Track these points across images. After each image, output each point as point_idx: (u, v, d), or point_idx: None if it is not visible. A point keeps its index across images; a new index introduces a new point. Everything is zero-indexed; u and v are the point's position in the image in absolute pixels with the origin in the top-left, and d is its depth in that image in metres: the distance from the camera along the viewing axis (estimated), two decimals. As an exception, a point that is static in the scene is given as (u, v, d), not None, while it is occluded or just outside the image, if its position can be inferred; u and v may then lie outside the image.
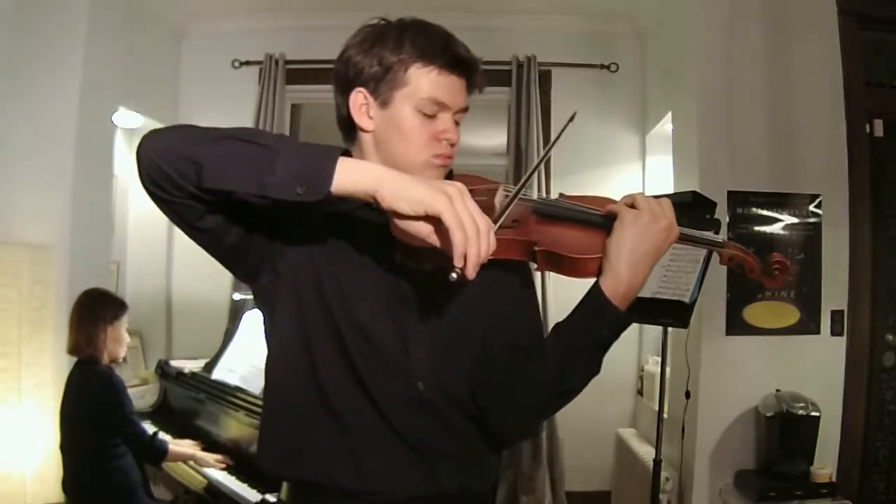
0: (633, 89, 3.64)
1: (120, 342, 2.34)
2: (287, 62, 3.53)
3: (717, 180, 2.65)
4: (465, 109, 1.03)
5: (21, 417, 2.43)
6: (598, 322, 0.95)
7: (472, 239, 0.76)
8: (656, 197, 0.99)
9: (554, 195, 1.09)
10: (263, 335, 1.07)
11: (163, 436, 2.49)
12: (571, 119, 1.05)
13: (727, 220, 2.63)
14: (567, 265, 0.96)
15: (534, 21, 3.60)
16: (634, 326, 3.43)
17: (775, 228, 2.68)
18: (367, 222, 1.00)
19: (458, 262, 0.77)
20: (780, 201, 2.68)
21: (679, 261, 2.15)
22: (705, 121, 2.75)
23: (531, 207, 1.03)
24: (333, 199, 0.80)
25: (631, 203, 0.96)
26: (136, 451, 2.30)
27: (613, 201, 1.03)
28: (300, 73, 3.56)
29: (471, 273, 0.77)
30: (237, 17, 3.61)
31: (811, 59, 2.73)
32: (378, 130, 1.02)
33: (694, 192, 2.32)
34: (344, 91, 1.03)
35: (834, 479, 2.46)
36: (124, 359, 2.57)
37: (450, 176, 1.07)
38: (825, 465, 2.45)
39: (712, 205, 2.22)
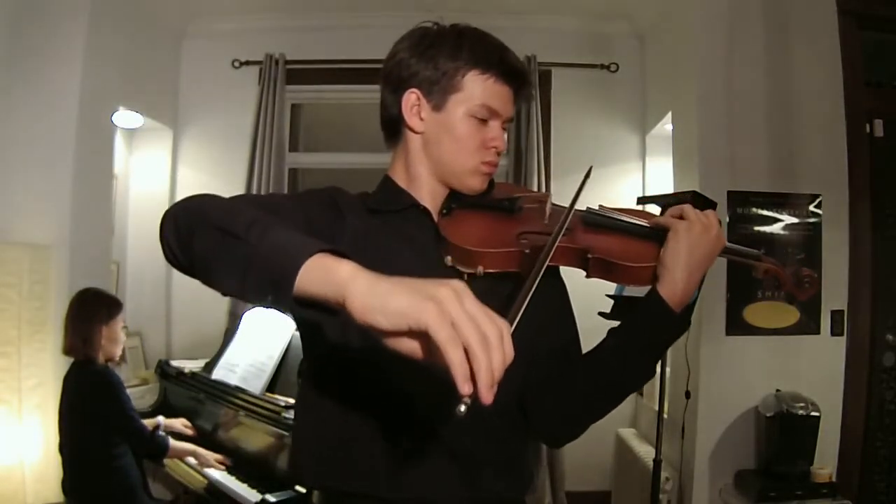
0: (633, 89, 3.64)
1: (116, 341, 2.34)
2: (287, 62, 3.53)
3: (717, 180, 2.65)
4: (512, 119, 1.06)
5: (21, 417, 2.43)
6: (660, 327, 0.98)
7: (479, 354, 0.59)
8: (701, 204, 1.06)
9: (590, 206, 1.12)
10: (304, 346, 1.06)
11: (163, 430, 2.50)
12: (588, 175, 1.09)
13: (727, 220, 2.63)
14: (620, 272, 0.98)
15: (534, 21, 3.60)
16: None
17: (775, 228, 2.68)
18: (417, 222, 1.02)
19: (462, 389, 0.59)
20: (780, 201, 2.68)
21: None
22: (705, 121, 2.75)
23: (580, 217, 1.06)
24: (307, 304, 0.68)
25: (679, 214, 0.99)
26: (137, 448, 2.31)
27: (652, 215, 1.07)
28: (300, 73, 3.56)
29: (486, 397, 0.60)
30: (237, 17, 3.61)
31: (811, 59, 2.73)
32: (428, 132, 1.03)
33: (694, 192, 2.31)
34: (396, 90, 1.04)
35: (834, 479, 2.46)
36: (123, 358, 2.57)
37: (491, 185, 1.08)
38: (825, 465, 2.45)
39: (712, 205, 2.21)
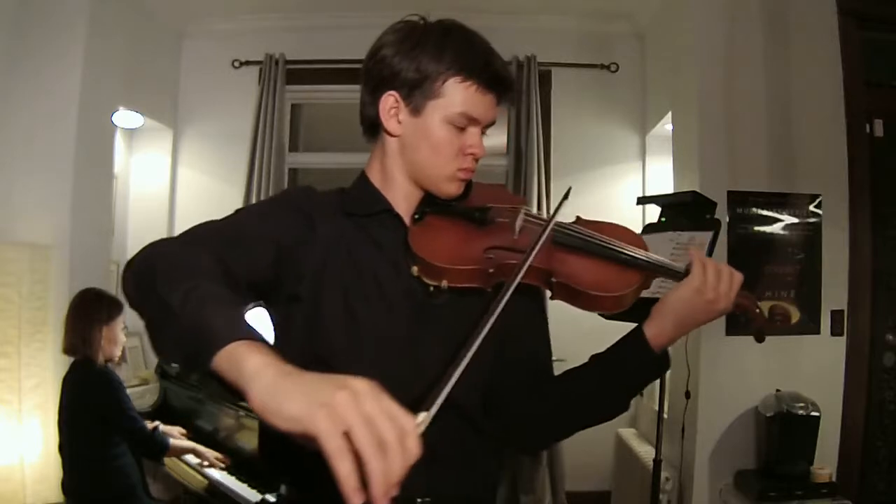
0: (633, 89, 3.64)
1: (116, 342, 2.34)
2: (287, 62, 3.53)
3: (717, 180, 2.65)
4: (492, 123, 1.04)
5: (21, 417, 2.43)
6: (637, 365, 0.98)
7: (372, 462, 0.56)
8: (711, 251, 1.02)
9: (570, 218, 1.08)
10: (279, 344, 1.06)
11: (163, 429, 2.50)
12: (566, 196, 1.06)
13: (727, 220, 2.63)
14: (585, 300, 0.96)
15: (534, 21, 3.60)
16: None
17: (775, 228, 2.68)
18: (389, 227, 1.01)
19: (353, 500, 0.56)
20: (780, 201, 2.68)
21: (679, 261, 2.15)
22: (705, 121, 2.75)
23: (552, 234, 0.99)
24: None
25: (703, 269, 0.96)
26: (138, 448, 2.31)
27: (628, 230, 1.05)
28: (300, 73, 3.56)
29: (379, 501, 0.57)
30: (237, 17, 3.61)
31: (811, 59, 2.73)
32: (405, 136, 1.01)
33: (694, 192, 2.32)
34: (374, 91, 1.02)
35: (834, 479, 2.46)
36: (123, 358, 2.57)
37: (469, 186, 1.07)
38: (825, 465, 2.45)
39: (712, 205, 2.21)
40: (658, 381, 2.41)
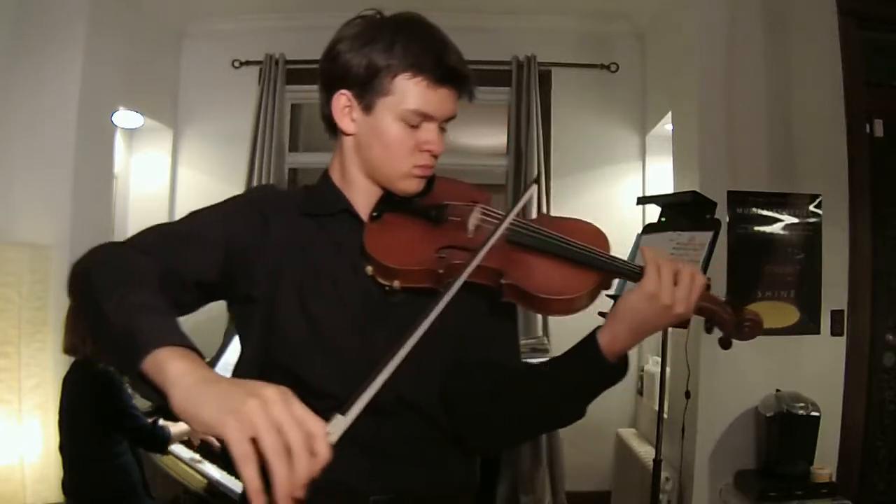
0: (633, 89, 3.64)
1: None
2: (287, 62, 3.53)
3: (717, 180, 2.65)
4: (452, 118, 1.01)
5: (21, 417, 2.43)
6: (590, 373, 0.93)
7: (276, 467, 0.60)
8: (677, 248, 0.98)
9: (533, 214, 1.06)
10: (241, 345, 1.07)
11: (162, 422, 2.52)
12: (528, 188, 1.05)
13: (727, 220, 2.63)
14: (534, 302, 0.91)
15: (534, 21, 3.60)
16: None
17: (775, 228, 2.68)
18: (347, 227, 1.00)
19: (255, 501, 0.60)
20: (780, 201, 2.68)
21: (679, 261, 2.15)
22: (705, 121, 2.75)
23: (506, 232, 0.95)
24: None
25: (657, 271, 0.88)
26: (141, 444, 2.32)
27: (593, 227, 1.01)
28: (300, 73, 3.56)
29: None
30: (237, 17, 3.61)
31: (811, 59, 2.73)
32: (360, 135, 1.00)
33: (694, 192, 2.32)
34: (327, 90, 1.01)
35: (834, 479, 2.46)
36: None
37: (432, 180, 1.05)
38: (825, 465, 2.45)
39: (712, 205, 2.22)
40: (658, 381, 2.41)
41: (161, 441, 2.37)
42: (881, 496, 2.73)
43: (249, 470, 0.60)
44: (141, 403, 2.93)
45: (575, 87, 3.64)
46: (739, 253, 2.63)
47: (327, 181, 1.07)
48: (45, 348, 2.52)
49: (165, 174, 3.62)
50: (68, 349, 2.28)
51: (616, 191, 3.60)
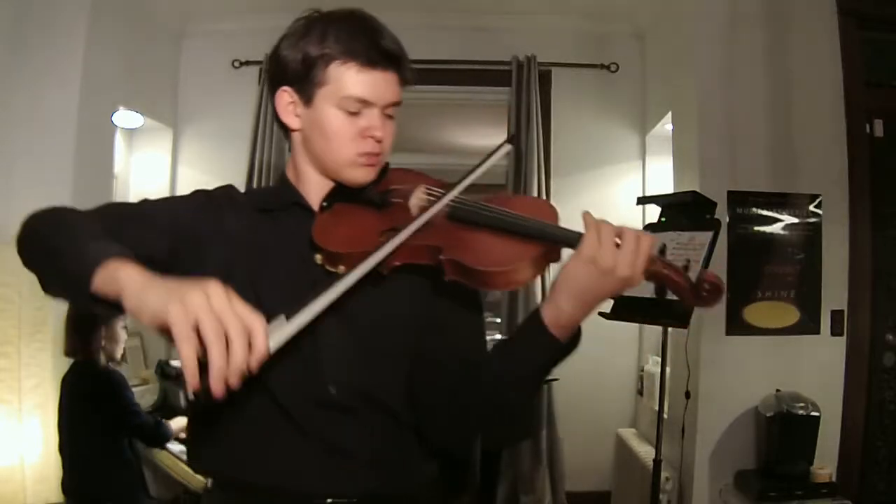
0: (633, 89, 3.64)
1: (116, 341, 2.36)
2: (287, 62, 3.53)
3: (717, 180, 2.65)
4: (396, 103, 1.00)
5: (21, 417, 2.43)
6: (535, 350, 0.89)
7: (213, 350, 0.66)
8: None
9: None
10: None
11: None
12: (508, 141, 1.04)
13: (727, 220, 2.63)
14: (473, 277, 0.88)
15: (534, 21, 3.60)
16: (634, 326, 3.45)
17: (775, 228, 2.68)
18: (298, 219, 1.01)
19: (190, 380, 0.66)
20: (780, 201, 2.68)
21: (679, 261, 2.15)
22: (705, 121, 2.75)
23: (447, 210, 0.95)
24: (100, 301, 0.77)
25: (597, 234, 0.83)
26: (146, 441, 2.37)
27: (544, 203, 1.00)
28: (300, 73, 3.56)
29: (216, 389, 0.67)
30: (237, 17, 3.61)
31: (811, 59, 2.73)
32: (305, 129, 1.01)
33: (694, 192, 2.32)
34: (271, 89, 1.03)
35: (834, 479, 2.46)
36: (124, 358, 2.57)
37: (384, 172, 1.05)
38: (825, 465, 2.45)
39: (712, 205, 2.22)
40: (658, 381, 2.41)
41: (164, 437, 2.42)
42: (881, 496, 2.73)
43: (187, 349, 0.66)
44: (141, 404, 2.93)
45: (575, 87, 3.64)
46: (739, 253, 2.63)
47: (283, 179, 1.09)
48: (45, 348, 2.52)
49: (165, 174, 3.62)
50: (69, 352, 2.29)
51: (616, 191, 3.60)
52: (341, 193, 1.02)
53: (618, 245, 0.83)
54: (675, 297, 0.90)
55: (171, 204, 1.04)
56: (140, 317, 0.71)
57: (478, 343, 1.07)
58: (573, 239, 0.86)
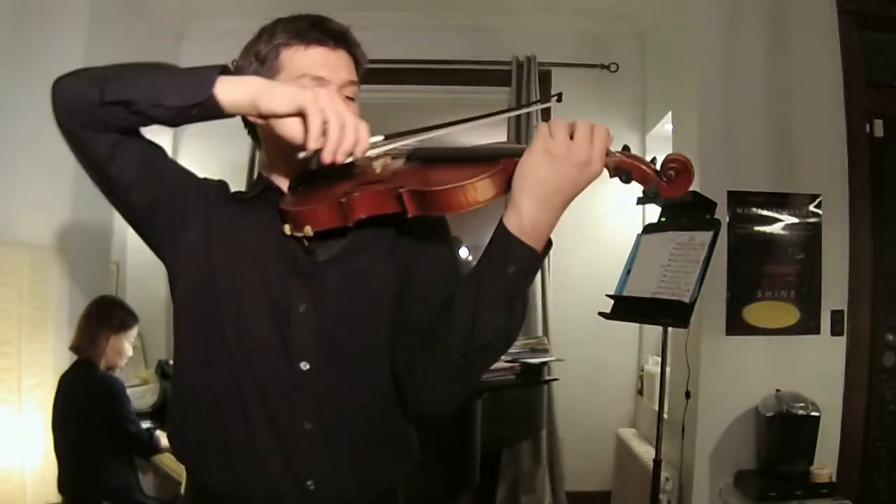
0: (633, 89, 3.64)
1: (120, 354, 2.37)
2: (287, 62, 3.53)
3: (717, 180, 2.65)
4: (352, 83, 1.03)
5: (21, 417, 2.43)
6: (503, 261, 0.84)
7: (333, 124, 0.81)
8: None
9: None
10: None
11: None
12: (558, 98, 1.06)
13: (727, 220, 2.63)
14: (430, 201, 0.86)
15: (534, 21, 3.59)
16: (634, 326, 3.44)
17: (775, 228, 2.68)
18: (267, 206, 1.02)
19: (311, 144, 0.82)
20: (779, 201, 2.68)
21: (679, 261, 2.16)
22: (705, 121, 2.75)
23: (404, 155, 0.99)
24: (222, 112, 0.87)
25: (547, 127, 0.83)
26: (137, 452, 2.33)
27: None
28: (300, 73, 3.56)
29: (326, 156, 0.82)
30: (237, 17, 3.61)
31: (811, 59, 2.73)
32: (270, 121, 1.02)
33: (694, 192, 2.32)
34: None
35: (834, 479, 2.46)
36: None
37: None
38: (825, 465, 2.45)
39: (712, 205, 2.22)
40: (658, 381, 2.41)
41: (154, 450, 2.40)
42: (881, 496, 2.73)
43: (317, 120, 0.82)
44: (141, 404, 2.93)
45: (575, 87, 3.63)
46: (739, 253, 2.63)
47: (259, 175, 1.13)
48: (45, 348, 2.52)
49: (165, 174, 3.62)
50: (74, 347, 2.30)
51: (616, 191, 3.59)
52: (309, 174, 1.02)
53: (571, 137, 0.82)
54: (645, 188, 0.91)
55: (178, 165, 1.06)
56: (275, 103, 0.84)
57: (450, 273, 1.03)
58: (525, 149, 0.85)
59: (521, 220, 0.83)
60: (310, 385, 0.97)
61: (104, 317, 2.33)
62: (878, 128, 2.79)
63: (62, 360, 2.36)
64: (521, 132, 3.49)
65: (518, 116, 3.51)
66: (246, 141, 3.91)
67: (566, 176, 0.81)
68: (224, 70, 0.91)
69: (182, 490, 2.68)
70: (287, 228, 0.95)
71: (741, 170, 2.70)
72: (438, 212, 0.88)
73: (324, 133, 0.82)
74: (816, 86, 2.72)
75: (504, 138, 3.67)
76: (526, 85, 3.49)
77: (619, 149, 0.92)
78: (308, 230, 0.93)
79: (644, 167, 0.88)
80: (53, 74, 0.96)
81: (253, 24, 1.11)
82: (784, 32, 2.75)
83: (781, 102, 2.72)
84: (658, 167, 0.88)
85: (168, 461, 2.56)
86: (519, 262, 0.84)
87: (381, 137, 0.92)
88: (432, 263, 1.03)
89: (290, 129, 0.85)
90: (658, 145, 3.48)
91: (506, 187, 0.87)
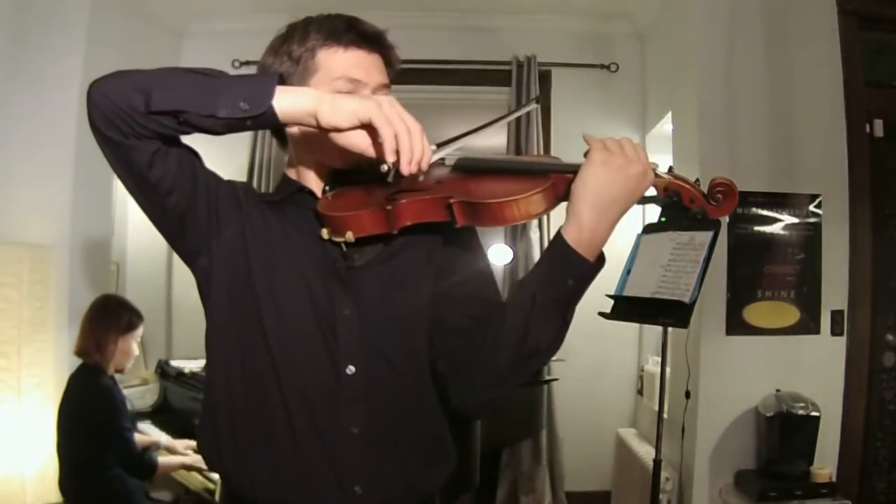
0: (633, 89, 3.64)
1: (128, 355, 2.34)
2: (287, 62, 3.52)
3: (717, 180, 2.64)
4: (386, 86, 1.02)
5: (21, 417, 2.43)
6: (562, 272, 0.88)
7: (403, 134, 0.81)
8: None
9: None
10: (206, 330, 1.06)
11: (164, 446, 2.49)
12: (535, 100, 1.07)
13: (727, 220, 2.63)
14: (483, 213, 0.89)
15: (534, 21, 3.60)
16: (634, 326, 3.45)
17: (775, 228, 2.68)
18: (299, 209, 1.01)
19: (389, 157, 0.82)
20: (780, 201, 2.68)
21: (679, 261, 2.15)
22: (705, 121, 2.75)
23: (451, 165, 1.00)
24: (277, 123, 0.85)
25: (601, 142, 0.90)
26: (125, 468, 2.26)
27: (553, 157, 1.03)
28: (300, 73, 3.55)
29: (405, 167, 0.81)
30: (237, 17, 3.61)
31: (811, 59, 2.73)
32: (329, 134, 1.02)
33: (694, 193, 2.32)
34: None
35: (834, 479, 2.46)
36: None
37: None
38: (825, 465, 2.45)
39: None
40: (658, 381, 2.41)
41: (146, 470, 2.32)
42: (881, 496, 2.73)
43: (390, 131, 0.81)
44: (141, 404, 2.93)
45: (575, 87, 3.63)
46: (739, 253, 2.63)
47: (285, 178, 1.11)
48: (45, 348, 2.52)
49: (165, 174, 3.62)
50: (80, 352, 2.27)
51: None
52: (341, 175, 1.02)
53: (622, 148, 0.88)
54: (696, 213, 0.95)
55: (207, 168, 1.06)
56: (336, 118, 0.83)
57: (482, 276, 1.06)
58: (576, 167, 0.91)
59: (581, 230, 0.87)
60: (356, 389, 0.96)
61: (110, 319, 2.29)
62: (878, 128, 2.78)
63: (62, 360, 2.36)
64: (520, 131, 3.49)
65: (518, 117, 3.50)
66: (246, 141, 3.91)
67: (625, 186, 0.87)
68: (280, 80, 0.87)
69: (185, 491, 2.68)
70: (325, 233, 0.94)
71: (741, 170, 2.69)
72: (489, 223, 0.91)
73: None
74: (816, 86, 2.72)
75: (504, 138, 3.67)
76: (526, 85, 3.49)
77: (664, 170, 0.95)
78: (350, 236, 0.92)
79: (693, 189, 0.93)
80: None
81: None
82: (784, 32, 2.75)
83: (781, 102, 2.72)
84: (706, 190, 0.93)
85: (160, 474, 2.53)
86: (577, 274, 0.88)
87: (434, 146, 0.90)
88: (466, 266, 1.05)
89: (356, 141, 0.85)
90: (658, 145, 3.48)
91: (554, 202, 0.92)
